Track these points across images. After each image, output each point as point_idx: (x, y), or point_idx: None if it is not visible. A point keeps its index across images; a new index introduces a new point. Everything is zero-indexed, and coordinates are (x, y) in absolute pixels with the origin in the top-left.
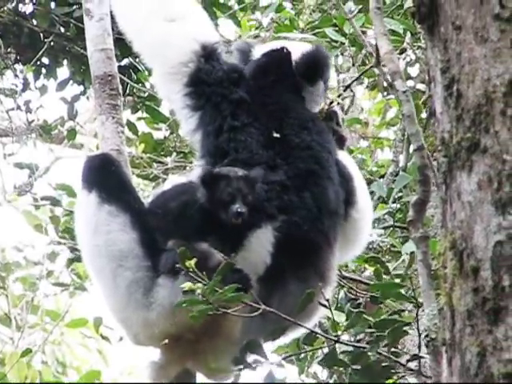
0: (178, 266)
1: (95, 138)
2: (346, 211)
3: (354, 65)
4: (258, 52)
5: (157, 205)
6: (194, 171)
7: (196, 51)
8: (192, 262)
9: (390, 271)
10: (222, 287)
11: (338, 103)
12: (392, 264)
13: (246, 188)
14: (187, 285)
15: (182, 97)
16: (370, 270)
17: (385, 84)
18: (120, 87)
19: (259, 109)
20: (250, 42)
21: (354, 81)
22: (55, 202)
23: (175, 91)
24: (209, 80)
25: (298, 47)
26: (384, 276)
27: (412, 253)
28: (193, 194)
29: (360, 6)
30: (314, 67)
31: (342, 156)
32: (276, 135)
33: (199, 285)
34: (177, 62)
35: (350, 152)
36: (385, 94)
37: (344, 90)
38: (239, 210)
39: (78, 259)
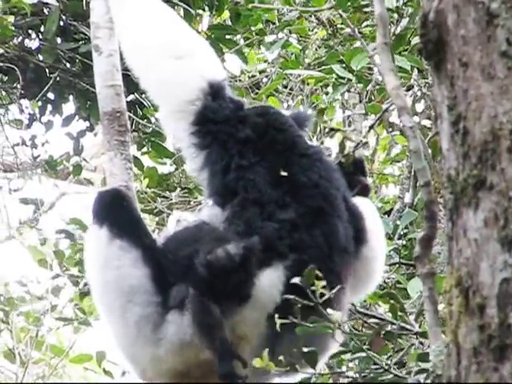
0: None
1: (101, 173)
2: (357, 249)
3: (360, 101)
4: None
5: (168, 248)
6: (205, 210)
7: (203, 89)
8: None
9: (405, 309)
10: None
11: (362, 144)
12: None
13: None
14: None
15: (188, 135)
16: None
17: (390, 120)
18: (128, 123)
19: (266, 147)
20: None
21: (376, 121)
22: (69, 236)
23: (181, 129)
24: (215, 118)
25: None
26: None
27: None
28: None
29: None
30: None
31: (362, 201)
32: (284, 174)
33: None
34: (183, 99)
35: None
36: (390, 130)
37: (368, 131)
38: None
39: (84, 293)
